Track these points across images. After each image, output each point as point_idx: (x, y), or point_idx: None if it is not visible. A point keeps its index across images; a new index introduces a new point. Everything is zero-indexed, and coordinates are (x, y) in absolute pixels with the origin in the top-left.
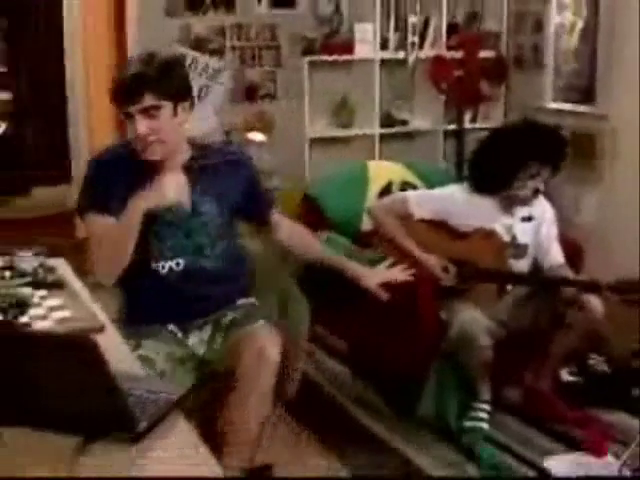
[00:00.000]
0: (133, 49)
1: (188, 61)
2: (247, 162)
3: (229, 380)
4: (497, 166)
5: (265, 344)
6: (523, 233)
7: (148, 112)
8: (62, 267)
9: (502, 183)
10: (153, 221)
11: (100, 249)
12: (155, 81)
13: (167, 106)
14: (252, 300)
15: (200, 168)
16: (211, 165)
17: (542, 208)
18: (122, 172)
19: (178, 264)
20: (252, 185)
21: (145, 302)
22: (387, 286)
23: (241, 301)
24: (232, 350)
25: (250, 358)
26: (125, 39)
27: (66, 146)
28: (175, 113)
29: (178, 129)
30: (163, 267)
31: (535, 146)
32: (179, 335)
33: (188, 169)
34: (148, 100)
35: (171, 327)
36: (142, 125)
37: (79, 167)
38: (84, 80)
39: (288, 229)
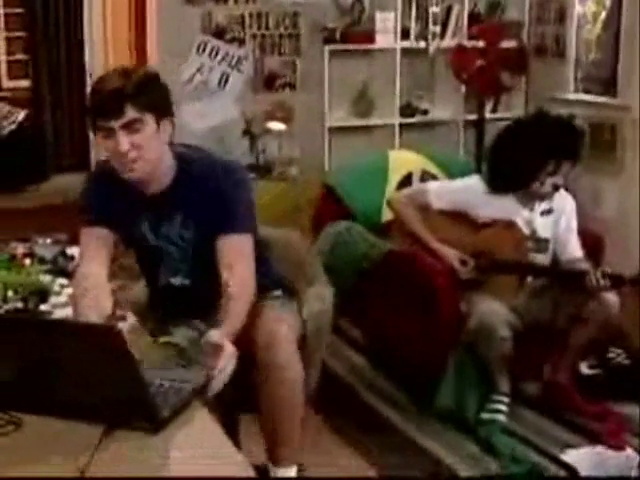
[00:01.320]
0: (154, 37)
1: (208, 49)
2: (231, 181)
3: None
4: (514, 167)
5: (275, 326)
6: (543, 227)
7: (130, 127)
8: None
9: (519, 183)
10: (146, 242)
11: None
12: (136, 94)
13: (150, 120)
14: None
15: (183, 191)
16: (195, 186)
17: (562, 200)
18: (111, 186)
19: (185, 278)
20: (221, 205)
21: (166, 302)
22: (405, 276)
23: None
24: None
25: (264, 344)
26: (146, 27)
27: (85, 133)
28: (158, 128)
29: (161, 146)
30: (173, 281)
31: (551, 143)
32: (201, 327)
33: (171, 192)
34: (130, 113)
35: (196, 322)
36: (124, 141)
37: (99, 154)
38: (104, 67)
39: (231, 272)
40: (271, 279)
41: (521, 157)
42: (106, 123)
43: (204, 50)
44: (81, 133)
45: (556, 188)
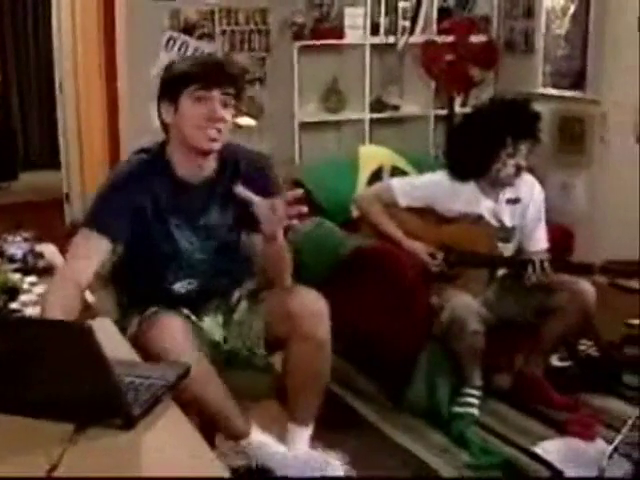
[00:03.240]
0: (123, 34)
1: (177, 45)
2: (269, 180)
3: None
4: (471, 150)
5: (318, 301)
6: (510, 216)
7: (225, 100)
8: (52, 253)
9: (480, 167)
10: (169, 250)
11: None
12: (238, 78)
13: (233, 105)
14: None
15: (226, 180)
16: (231, 179)
17: (530, 188)
18: (135, 190)
19: (191, 283)
20: (263, 194)
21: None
22: (376, 271)
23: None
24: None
25: (309, 315)
26: (115, 24)
27: (55, 130)
28: (233, 114)
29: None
30: (179, 287)
31: (506, 122)
32: (193, 318)
33: (213, 183)
34: (232, 88)
35: (184, 310)
36: (220, 110)
37: (68, 152)
38: (73, 62)
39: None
40: None
41: (478, 139)
42: (209, 88)
43: (173, 46)
44: (50, 131)
45: (518, 169)
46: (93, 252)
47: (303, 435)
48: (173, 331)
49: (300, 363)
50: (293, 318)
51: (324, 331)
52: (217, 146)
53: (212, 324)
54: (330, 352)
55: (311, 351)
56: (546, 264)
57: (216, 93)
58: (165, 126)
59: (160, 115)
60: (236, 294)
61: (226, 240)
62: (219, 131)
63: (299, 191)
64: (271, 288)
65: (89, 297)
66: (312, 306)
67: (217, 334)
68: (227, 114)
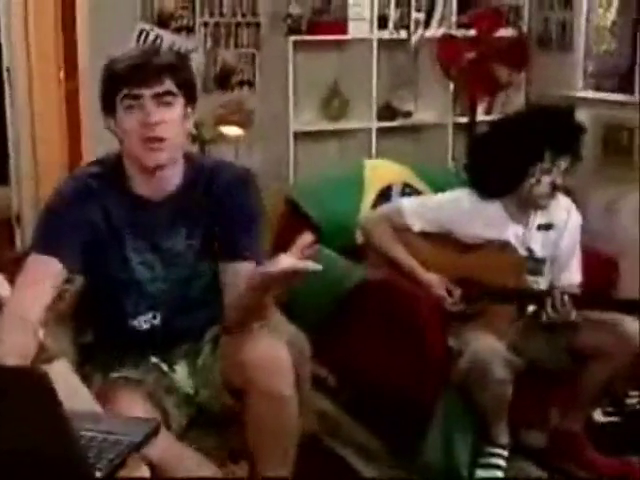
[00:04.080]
0: (84, 25)
1: (150, 39)
2: (245, 199)
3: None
4: (500, 163)
5: (271, 344)
6: (541, 245)
7: (162, 99)
8: (0, 284)
9: (510, 183)
10: (125, 277)
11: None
12: (175, 66)
13: (181, 101)
14: None
15: (193, 199)
16: (202, 197)
17: (566, 213)
18: (89, 204)
19: (155, 317)
20: (235, 223)
21: (117, 345)
22: (384, 309)
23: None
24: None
25: (265, 371)
26: (74, 12)
27: (3, 140)
28: (185, 114)
29: (183, 136)
30: (141, 322)
31: (545, 131)
32: (164, 367)
33: (177, 199)
34: (167, 84)
35: (153, 359)
36: (155, 112)
37: (19, 164)
38: (25, 59)
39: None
40: None
41: (510, 150)
42: (136, 90)
43: (145, 41)
44: None
45: (554, 188)
46: (43, 278)
47: None
48: (133, 412)
49: (258, 421)
50: (247, 370)
51: (285, 385)
52: (163, 158)
53: (184, 374)
54: (295, 409)
55: (270, 408)
56: (567, 299)
57: (145, 92)
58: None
59: (105, 124)
60: (207, 336)
61: (195, 269)
62: (161, 140)
63: (308, 237)
64: (232, 330)
65: (40, 334)
66: (270, 357)
67: (189, 387)
68: (169, 114)
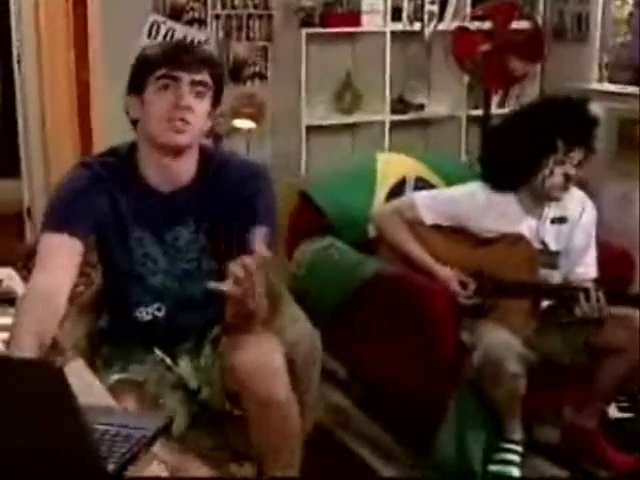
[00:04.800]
0: (96, 17)
1: (162, 32)
2: (260, 195)
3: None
4: (514, 154)
5: (263, 349)
6: (555, 238)
7: (196, 88)
8: (11, 278)
9: (523, 174)
10: (127, 267)
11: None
12: (214, 62)
13: (210, 95)
14: None
15: (204, 193)
16: (220, 190)
17: (580, 206)
18: (106, 188)
19: (159, 309)
20: (248, 220)
21: (126, 338)
22: (396, 303)
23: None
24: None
25: (257, 376)
26: (86, 4)
27: (14, 131)
28: (210, 110)
29: (204, 129)
30: (143, 313)
31: (557, 122)
32: (168, 361)
33: (188, 192)
34: (204, 75)
35: (158, 353)
36: (189, 97)
37: (30, 158)
38: (36, 55)
39: None
40: None
41: (523, 141)
42: (175, 72)
43: (157, 33)
44: (8, 133)
45: (567, 179)
46: (68, 260)
47: None
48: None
49: (258, 424)
50: (239, 375)
51: (278, 390)
52: (184, 140)
53: (188, 369)
54: (293, 410)
55: (266, 412)
56: (601, 295)
57: (184, 76)
58: (134, 124)
59: (128, 112)
60: (210, 335)
61: (200, 265)
62: (186, 122)
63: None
64: (230, 332)
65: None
66: (261, 362)
67: (193, 381)
68: (198, 105)
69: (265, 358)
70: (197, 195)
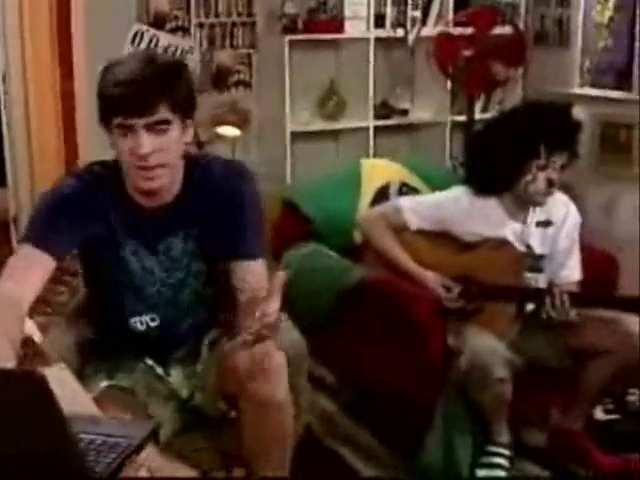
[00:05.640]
0: (80, 26)
1: (146, 40)
2: (244, 196)
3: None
4: (496, 159)
5: (265, 349)
6: (540, 241)
7: (156, 127)
8: None
9: (507, 179)
10: (124, 279)
11: None
12: (171, 88)
13: (177, 122)
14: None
15: (192, 203)
16: (207, 197)
17: (564, 210)
18: (84, 204)
19: (154, 319)
20: (235, 222)
21: (116, 347)
22: (382, 308)
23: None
24: (225, 367)
25: (256, 376)
26: (70, 13)
27: (0, 142)
28: (183, 131)
29: (181, 151)
30: (138, 323)
31: (539, 127)
32: (159, 371)
33: (177, 204)
34: (161, 113)
35: (149, 362)
36: (147, 143)
37: (15, 166)
38: (20, 59)
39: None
40: None
41: (505, 146)
42: (127, 120)
43: (141, 41)
44: None
45: (550, 184)
46: (36, 273)
47: None
48: None
49: (253, 427)
50: (239, 375)
51: (278, 391)
52: (156, 185)
53: (179, 378)
54: (290, 413)
55: (264, 414)
56: (566, 297)
57: (138, 122)
58: None
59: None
60: (205, 340)
61: (192, 271)
62: (152, 169)
63: (281, 276)
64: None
65: (36, 337)
66: (263, 361)
67: (185, 391)
68: (164, 141)
69: (267, 358)
70: (184, 204)
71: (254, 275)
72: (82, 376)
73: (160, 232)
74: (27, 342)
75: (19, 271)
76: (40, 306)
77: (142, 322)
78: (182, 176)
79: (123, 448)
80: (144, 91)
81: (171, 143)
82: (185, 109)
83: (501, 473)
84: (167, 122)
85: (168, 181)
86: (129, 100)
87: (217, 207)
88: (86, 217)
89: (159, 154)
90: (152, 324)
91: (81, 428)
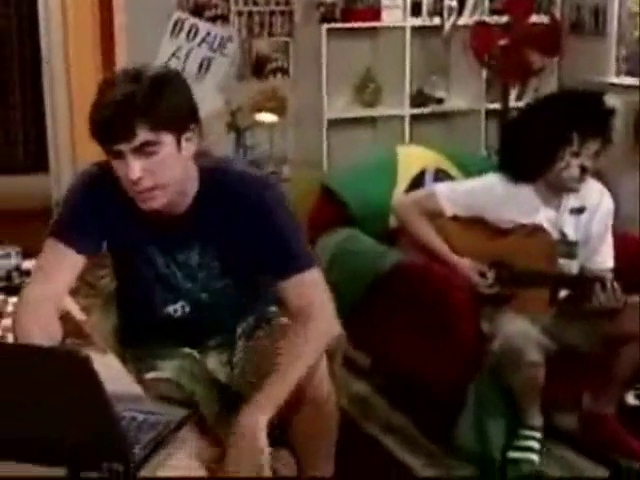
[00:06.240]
0: (122, 15)
1: (186, 28)
2: (268, 205)
3: None
4: (531, 146)
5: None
6: (574, 228)
7: (143, 150)
8: None
9: (541, 166)
10: (152, 274)
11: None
12: (148, 108)
13: (167, 139)
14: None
15: (208, 214)
16: (224, 209)
17: (598, 197)
18: (107, 201)
19: (184, 307)
20: (267, 235)
21: (152, 333)
22: (417, 292)
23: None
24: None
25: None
26: (112, 3)
27: (41, 130)
28: (179, 146)
29: (184, 166)
30: (171, 310)
31: (572, 114)
32: (197, 356)
33: (190, 215)
34: (142, 135)
35: (186, 349)
36: (136, 167)
37: (58, 153)
38: (63, 49)
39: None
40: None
41: (539, 134)
42: (115, 146)
43: (181, 30)
44: (37, 130)
45: (583, 171)
46: (64, 270)
47: None
48: None
49: (298, 422)
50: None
51: (324, 391)
52: (158, 204)
53: (216, 364)
54: (334, 406)
55: (310, 413)
56: (617, 285)
57: (124, 147)
58: None
59: None
60: (239, 330)
61: (216, 287)
62: (150, 190)
63: None
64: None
65: (79, 317)
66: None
67: (222, 375)
68: (155, 161)
69: None
70: (198, 217)
71: (306, 286)
72: (123, 360)
73: (176, 243)
74: (71, 322)
75: (50, 269)
76: (83, 288)
77: (175, 310)
78: (197, 186)
79: (163, 426)
80: (120, 115)
81: (163, 163)
82: (176, 124)
83: (533, 456)
84: (153, 143)
85: (168, 199)
86: (109, 126)
87: (237, 222)
88: (110, 218)
89: (151, 177)
90: (186, 311)
91: (123, 406)
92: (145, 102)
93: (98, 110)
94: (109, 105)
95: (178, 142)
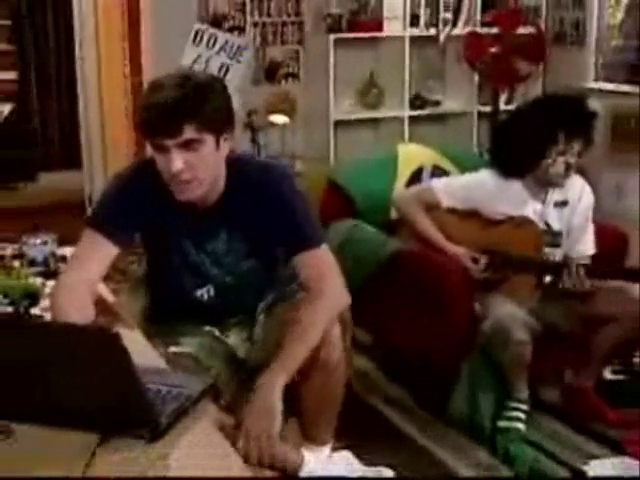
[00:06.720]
0: (148, 26)
1: (205, 38)
2: (286, 192)
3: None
4: (520, 144)
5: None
6: (557, 219)
7: (187, 146)
8: None
9: (528, 163)
10: (181, 261)
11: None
12: (196, 110)
13: (209, 139)
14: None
15: (234, 204)
16: (248, 197)
17: (579, 190)
18: (143, 197)
19: (209, 291)
20: (285, 218)
21: (179, 313)
22: (415, 277)
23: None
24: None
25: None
26: (139, 16)
27: (76, 128)
28: (217, 146)
29: (219, 164)
30: (199, 295)
31: (558, 116)
32: (217, 333)
33: (220, 206)
34: (188, 133)
35: (207, 327)
36: (178, 160)
37: (90, 151)
38: (96, 58)
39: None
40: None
41: (528, 133)
42: (159, 140)
43: (201, 40)
44: (71, 128)
45: (568, 168)
46: (101, 258)
47: (319, 455)
48: None
49: (309, 387)
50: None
51: (335, 357)
52: (193, 195)
53: (237, 340)
54: (343, 374)
55: (321, 377)
56: (581, 270)
57: (169, 142)
58: None
59: None
60: (260, 307)
61: (243, 269)
62: (187, 182)
63: None
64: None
65: (110, 299)
66: (326, 332)
67: (241, 350)
68: (196, 156)
69: (330, 329)
70: (225, 207)
71: (316, 259)
72: (148, 336)
73: (205, 233)
74: (102, 303)
75: (86, 258)
76: (115, 274)
77: (202, 294)
78: (226, 180)
79: (185, 397)
80: (170, 115)
81: (203, 159)
82: (217, 126)
83: (520, 425)
84: (197, 141)
85: (203, 192)
86: (157, 123)
87: (260, 208)
88: (147, 212)
89: (191, 170)
90: (212, 293)
91: (149, 379)
92: (193, 105)
93: (149, 109)
94: (161, 105)
95: (217, 142)
